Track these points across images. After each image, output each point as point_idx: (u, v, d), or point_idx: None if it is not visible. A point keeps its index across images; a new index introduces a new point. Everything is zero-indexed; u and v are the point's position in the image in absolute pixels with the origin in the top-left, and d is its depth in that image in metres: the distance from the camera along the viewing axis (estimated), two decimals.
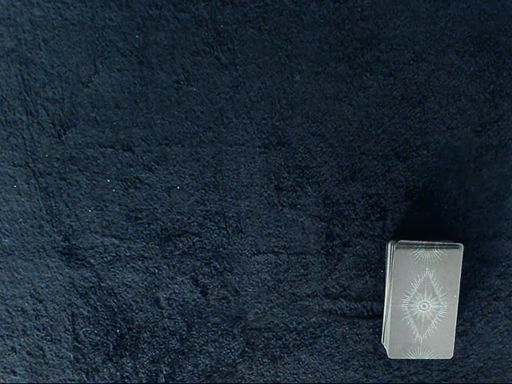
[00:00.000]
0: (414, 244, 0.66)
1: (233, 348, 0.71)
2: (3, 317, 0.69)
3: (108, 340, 0.70)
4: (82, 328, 0.70)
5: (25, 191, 0.67)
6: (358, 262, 0.69)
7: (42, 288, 0.69)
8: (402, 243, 0.66)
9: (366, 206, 0.68)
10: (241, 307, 0.70)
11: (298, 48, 0.65)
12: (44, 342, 0.70)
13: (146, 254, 0.68)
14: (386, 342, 0.69)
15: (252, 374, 0.72)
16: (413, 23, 0.65)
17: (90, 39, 0.64)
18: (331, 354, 0.70)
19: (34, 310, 0.69)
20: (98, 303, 0.70)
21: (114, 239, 0.68)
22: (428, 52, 0.65)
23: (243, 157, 0.65)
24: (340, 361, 0.70)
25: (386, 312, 0.68)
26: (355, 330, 0.70)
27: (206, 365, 0.71)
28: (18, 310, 0.69)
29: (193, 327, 0.70)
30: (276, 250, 0.67)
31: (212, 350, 0.71)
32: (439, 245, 0.66)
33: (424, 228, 0.69)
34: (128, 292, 0.69)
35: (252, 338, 0.71)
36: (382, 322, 0.70)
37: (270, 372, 0.72)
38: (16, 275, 0.69)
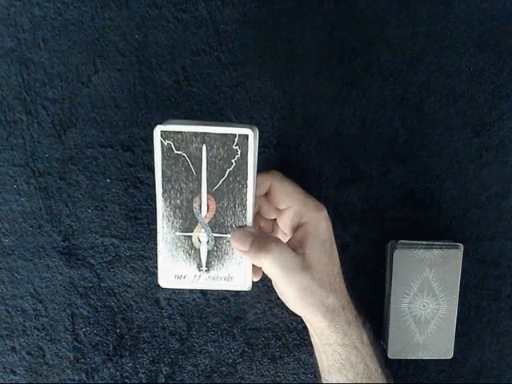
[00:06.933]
0: (414, 244, 0.66)
1: (233, 348, 0.71)
2: (3, 317, 0.70)
3: (108, 340, 0.70)
4: (82, 328, 0.70)
5: (25, 191, 0.67)
6: (358, 262, 0.69)
7: (42, 288, 0.69)
8: (402, 243, 0.66)
9: (366, 207, 0.68)
10: (241, 307, 0.70)
11: (298, 48, 0.65)
12: (44, 341, 0.70)
13: (146, 254, 0.68)
14: (385, 342, 0.69)
15: (252, 374, 0.72)
16: (413, 23, 0.65)
17: (90, 39, 0.64)
18: None
19: (33, 309, 0.69)
20: (97, 303, 0.70)
21: (113, 239, 0.68)
22: (428, 52, 0.65)
23: None
24: None
25: (386, 312, 0.68)
26: None
27: (206, 365, 0.71)
28: (18, 310, 0.69)
29: (193, 327, 0.70)
30: None
31: (212, 349, 0.71)
32: (439, 245, 0.66)
33: (424, 228, 0.68)
34: (128, 292, 0.69)
35: (252, 338, 0.71)
36: (381, 322, 0.70)
37: (269, 372, 0.72)
38: (16, 275, 0.69)
